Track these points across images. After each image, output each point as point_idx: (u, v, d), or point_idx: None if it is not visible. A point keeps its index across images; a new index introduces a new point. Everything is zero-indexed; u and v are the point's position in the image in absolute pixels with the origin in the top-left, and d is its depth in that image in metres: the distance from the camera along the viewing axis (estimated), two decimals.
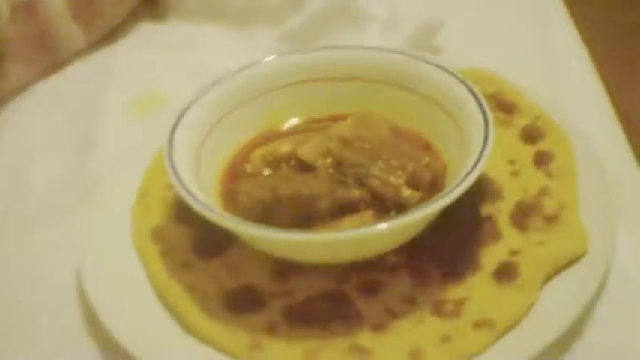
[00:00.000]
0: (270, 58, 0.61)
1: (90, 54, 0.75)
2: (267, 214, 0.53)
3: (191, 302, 0.51)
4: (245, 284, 0.52)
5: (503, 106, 0.62)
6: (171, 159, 0.53)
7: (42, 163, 0.65)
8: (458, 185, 0.50)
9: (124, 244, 0.56)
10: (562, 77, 0.68)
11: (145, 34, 0.77)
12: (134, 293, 0.53)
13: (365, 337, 0.49)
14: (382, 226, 0.49)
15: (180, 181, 0.52)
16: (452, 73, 0.58)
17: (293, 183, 0.54)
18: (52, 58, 0.73)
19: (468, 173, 0.50)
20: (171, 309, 0.52)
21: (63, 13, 0.72)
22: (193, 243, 0.55)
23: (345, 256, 0.53)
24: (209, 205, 0.51)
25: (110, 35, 0.76)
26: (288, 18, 0.75)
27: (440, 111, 0.58)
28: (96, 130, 0.67)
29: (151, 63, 0.74)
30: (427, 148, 0.58)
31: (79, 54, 0.75)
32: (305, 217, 0.53)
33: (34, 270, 0.57)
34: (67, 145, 0.66)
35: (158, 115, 0.65)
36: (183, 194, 0.51)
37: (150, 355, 0.48)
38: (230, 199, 0.55)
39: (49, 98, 0.71)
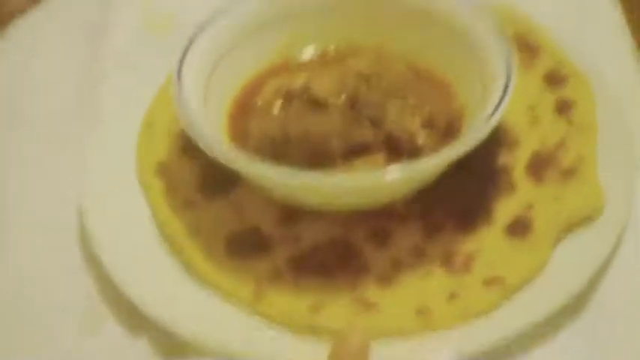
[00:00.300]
0: None
1: None
2: (276, 151, 0.51)
3: (194, 243, 0.50)
4: (250, 227, 0.51)
5: (527, 47, 0.60)
6: (179, 89, 0.51)
7: (44, 90, 0.62)
8: (474, 134, 0.48)
9: (128, 177, 0.54)
10: (591, 24, 0.65)
11: None
12: (137, 230, 0.51)
13: (371, 291, 0.48)
14: (393, 172, 0.48)
15: (188, 116, 0.50)
16: (478, 10, 0.55)
17: (304, 121, 0.52)
18: None
19: (486, 121, 0.49)
20: (173, 249, 0.51)
21: None
22: (199, 180, 0.53)
23: (353, 200, 0.51)
24: (216, 141, 0.49)
25: None
26: None
27: (462, 48, 0.55)
28: (103, 54, 0.64)
29: None
30: (445, 86, 0.56)
31: None
32: (315, 156, 0.51)
33: (32, 203, 0.55)
34: (72, 70, 0.63)
35: (168, 37, 0.63)
36: (190, 130, 0.49)
37: (150, 298, 0.48)
38: (240, 135, 0.53)
39: (52, 21, 0.68)
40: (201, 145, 0.49)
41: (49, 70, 0.64)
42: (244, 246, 0.50)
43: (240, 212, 0.52)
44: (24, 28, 0.68)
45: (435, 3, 0.57)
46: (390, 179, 0.48)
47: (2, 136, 0.60)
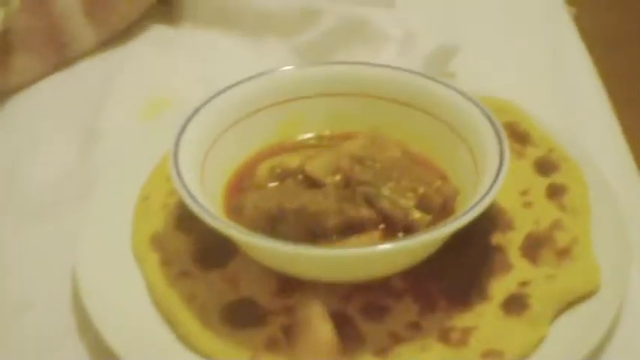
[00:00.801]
0: (286, 68, 0.60)
1: (100, 53, 0.74)
2: (271, 226, 0.51)
3: (190, 313, 0.49)
4: (246, 298, 0.51)
5: (517, 136, 0.61)
6: (176, 163, 0.51)
7: (43, 159, 0.63)
8: (468, 211, 0.49)
9: (122, 249, 0.54)
10: (577, 109, 0.67)
11: (157, 37, 0.76)
12: (131, 301, 0.51)
13: None
14: (387, 246, 0.48)
15: (185, 187, 0.50)
16: (470, 99, 0.57)
17: (300, 197, 0.52)
18: (61, 54, 0.72)
19: (480, 200, 0.49)
20: (168, 320, 0.50)
21: (75, 7, 0.71)
22: (194, 252, 0.53)
23: (349, 275, 0.51)
24: (213, 212, 0.49)
25: (121, 35, 0.75)
26: (301, 32, 0.74)
27: (454, 136, 0.57)
28: (99, 130, 0.65)
29: (160, 66, 0.72)
30: (438, 171, 0.57)
31: (88, 52, 0.73)
32: (310, 233, 0.52)
33: (27, 268, 0.55)
34: (70, 142, 0.65)
35: (164, 118, 0.64)
36: (187, 200, 0.49)
37: None
38: (235, 211, 0.53)
39: (55, 95, 0.70)
40: (200, 215, 0.49)
41: (50, 138, 0.65)
42: (240, 316, 0.50)
43: (236, 283, 0.51)
44: (32, 96, 0.69)
45: (430, 90, 0.59)
46: (383, 254, 0.48)
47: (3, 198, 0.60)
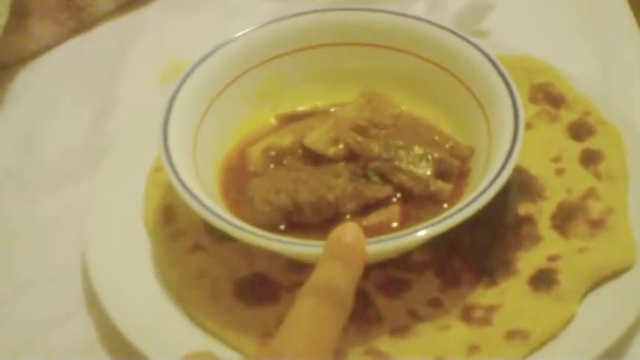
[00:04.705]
0: (271, 21, 0.55)
1: (118, 16, 0.71)
2: (290, 221, 0.49)
3: (200, 291, 0.48)
4: (259, 273, 0.49)
5: (551, 98, 0.58)
6: (170, 161, 0.48)
7: (56, 126, 0.62)
8: (492, 182, 0.45)
9: (134, 221, 0.52)
10: (617, 72, 0.64)
11: None
12: (140, 277, 0.49)
13: (384, 341, 0.45)
14: (421, 233, 0.44)
15: (194, 196, 0.46)
16: (483, 52, 0.52)
17: (313, 186, 0.49)
18: (78, 18, 0.70)
19: (500, 171, 0.46)
20: (178, 297, 0.48)
21: None
22: (207, 224, 0.51)
23: (379, 259, 0.48)
24: (232, 220, 0.46)
25: None
26: None
27: (461, 88, 0.53)
28: (115, 96, 0.64)
29: (181, 28, 0.70)
30: (442, 132, 0.54)
31: (106, 15, 0.71)
32: (329, 219, 0.49)
33: (36, 237, 0.54)
34: (86, 109, 0.63)
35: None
36: (204, 213, 0.46)
37: (151, 346, 0.45)
38: (241, 204, 0.50)
39: (72, 60, 0.68)
40: (223, 228, 0.45)
41: (67, 104, 0.64)
42: (252, 293, 0.48)
43: (250, 257, 0.49)
44: (49, 62, 0.68)
45: (432, 36, 0.54)
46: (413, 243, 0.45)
47: (14, 165, 0.59)
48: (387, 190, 0.50)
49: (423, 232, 0.44)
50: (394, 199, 0.50)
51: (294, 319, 0.38)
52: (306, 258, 0.46)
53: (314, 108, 0.57)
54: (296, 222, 0.49)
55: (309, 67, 0.56)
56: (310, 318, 0.38)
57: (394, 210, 0.49)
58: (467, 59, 0.53)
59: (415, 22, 0.55)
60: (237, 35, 0.55)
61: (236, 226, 0.45)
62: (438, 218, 0.45)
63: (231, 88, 0.54)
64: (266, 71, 0.55)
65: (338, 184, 0.49)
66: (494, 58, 0.52)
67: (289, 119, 0.56)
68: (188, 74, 0.53)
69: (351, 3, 0.69)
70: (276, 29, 0.55)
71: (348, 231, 0.42)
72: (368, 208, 0.49)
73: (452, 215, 0.45)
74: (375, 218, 0.49)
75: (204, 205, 0.46)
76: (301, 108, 0.57)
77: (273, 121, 0.56)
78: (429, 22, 0.55)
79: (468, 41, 0.53)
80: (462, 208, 0.45)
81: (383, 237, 0.44)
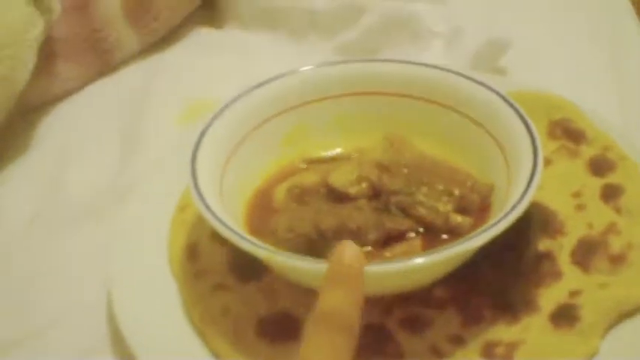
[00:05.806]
0: (293, 71, 0.57)
1: (142, 57, 0.73)
2: (311, 248, 0.49)
3: (222, 328, 0.48)
4: (282, 311, 0.49)
5: (571, 134, 0.58)
6: (198, 190, 0.49)
7: (81, 167, 0.63)
8: (509, 212, 0.46)
9: (158, 260, 0.53)
10: (636, 105, 0.64)
11: (199, 40, 0.75)
12: (164, 314, 0.50)
13: None
14: (419, 260, 0.45)
15: (223, 223, 0.47)
16: (497, 92, 0.54)
17: (334, 215, 0.50)
18: (104, 61, 0.71)
19: (516, 204, 0.46)
20: (201, 334, 0.49)
21: (117, 14, 0.70)
22: (231, 263, 0.52)
23: (388, 288, 0.49)
24: (258, 243, 0.47)
25: (164, 40, 0.74)
26: (344, 31, 0.72)
27: (479, 130, 0.54)
28: (140, 137, 0.64)
29: (203, 69, 0.71)
30: (460, 170, 0.55)
31: (131, 57, 0.73)
32: None
33: (61, 276, 0.55)
34: (111, 149, 0.64)
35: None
36: (234, 239, 0.47)
37: None
38: (265, 236, 0.51)
39: (97, 101, 0.70)
40: (254, 253, 0.47)
41: (92, 144, 0.65)
42: (275, 330, 0.48)
43: (273, 296, 0.50)
44: (73, 104, 0.69)
45: (451, 84, 0.56)
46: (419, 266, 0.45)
47: (40, 206, 0.60)
48: (408, 222, 0.51)
49: (421, 260, 0.45)
50: (415, 234, 0.51)
51: (308, 352, 0.38)
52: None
53: (338, 153, 0.58)
54: (319, 253, 0.49)
55: (333, 114, 0.58)
56: (323, 348, 0.38)
57: (416, 243, 0.50)
58: (482, 102, 0.54)
59: (432, 70, 0.57)
60: (266, 80, 0.57)
61: (269, 250, 0.46)
62: (440, 248, 0.45)
63: (257, 132, 0.56)
64: (293, 117, 0.57)
65: (359, 214, 0.50)
66: (508, 97, 0.53)
67: (315, 162, 0.57)
68: (217, 115, 0.54)
69: (368, 43, 0.71)
70: (304, 77, 0.57)
71: (347, 250, 0.42)
72: (389, 240, 0.50)
73: (455, 245, 0.45)
74: (396, 250, 0.50)
75: (234, 232, 0.47)
76: (325, 153, 0.58)
77: (299, 163, 0.57)
78: (444, 69, 0.56)
79: (482, 84, 0.55)
80: (469, 239, 0.45)
81: (384, 261, 0.46)
